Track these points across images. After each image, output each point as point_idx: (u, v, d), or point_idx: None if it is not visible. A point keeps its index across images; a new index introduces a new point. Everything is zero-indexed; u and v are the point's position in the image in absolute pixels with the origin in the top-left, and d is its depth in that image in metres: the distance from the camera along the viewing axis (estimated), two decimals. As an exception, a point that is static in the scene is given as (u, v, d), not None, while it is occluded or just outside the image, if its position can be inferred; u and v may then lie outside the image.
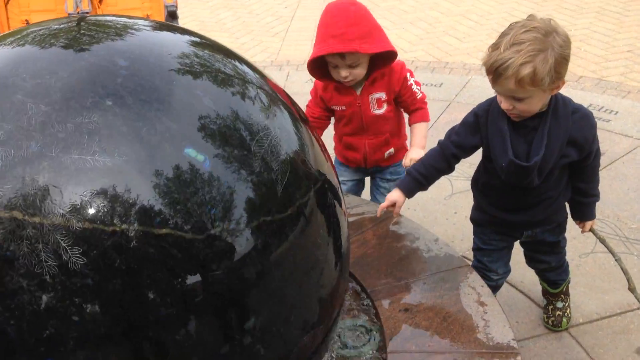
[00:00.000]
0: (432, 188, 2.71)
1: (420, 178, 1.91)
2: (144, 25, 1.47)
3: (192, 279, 1.20)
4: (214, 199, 1.25)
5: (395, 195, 1.93)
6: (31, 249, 1.06)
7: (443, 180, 3.07)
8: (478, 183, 1.96)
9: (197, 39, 1.49)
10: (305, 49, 5.20)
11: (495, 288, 2.09)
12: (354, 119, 2.23)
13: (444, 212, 2.91)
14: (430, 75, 4.42)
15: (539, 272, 2.20)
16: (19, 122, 1.11)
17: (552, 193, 1.87)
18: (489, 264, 2.02)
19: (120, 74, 1.24)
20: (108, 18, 1.48)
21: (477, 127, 1.83)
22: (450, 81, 4.28)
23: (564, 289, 2.21)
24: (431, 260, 1.95)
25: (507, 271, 2.09)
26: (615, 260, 2.00)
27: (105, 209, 1.10)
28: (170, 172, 1.20)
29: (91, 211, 1.10)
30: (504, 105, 1.70)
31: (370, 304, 1.81)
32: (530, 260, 2.13)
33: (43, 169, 1.09)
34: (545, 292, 2.28)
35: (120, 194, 1.13)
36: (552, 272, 2.15)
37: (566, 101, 1.76)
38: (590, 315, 2.29)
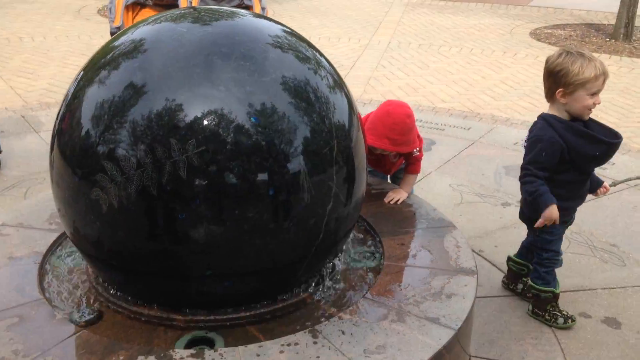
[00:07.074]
0: (445, 197, 3.53)
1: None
2: (244, 14, 2.24)
3: (262, 177, 1.95)
4: (282, 130, 2.01)
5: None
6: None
7: (453, 193, 3.79)
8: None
9: (288, 29, 2.27)
10: (356, 91, 6.06)
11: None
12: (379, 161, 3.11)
13: (451, 214, 3.60)
14: (461, 121, 5.19)
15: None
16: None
17: None
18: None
19: (233, 40, 2.04)
20: (216, 8, 2.30)
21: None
22: (478, 126, 5.03)
23: (537, 293, 2.70)
24: (428, 220, 2.66)
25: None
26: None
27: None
28: (258, 107, 1.99)
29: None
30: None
31: (378, 238, 2.53)
32: None
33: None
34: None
35: (223, 115, 1.92)
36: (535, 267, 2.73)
37: None
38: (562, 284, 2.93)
